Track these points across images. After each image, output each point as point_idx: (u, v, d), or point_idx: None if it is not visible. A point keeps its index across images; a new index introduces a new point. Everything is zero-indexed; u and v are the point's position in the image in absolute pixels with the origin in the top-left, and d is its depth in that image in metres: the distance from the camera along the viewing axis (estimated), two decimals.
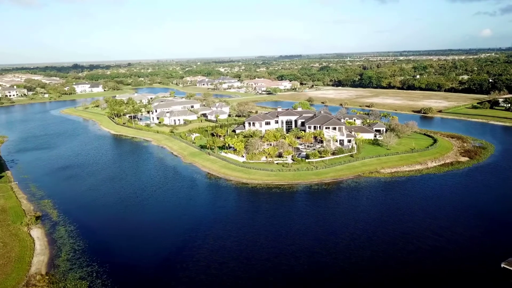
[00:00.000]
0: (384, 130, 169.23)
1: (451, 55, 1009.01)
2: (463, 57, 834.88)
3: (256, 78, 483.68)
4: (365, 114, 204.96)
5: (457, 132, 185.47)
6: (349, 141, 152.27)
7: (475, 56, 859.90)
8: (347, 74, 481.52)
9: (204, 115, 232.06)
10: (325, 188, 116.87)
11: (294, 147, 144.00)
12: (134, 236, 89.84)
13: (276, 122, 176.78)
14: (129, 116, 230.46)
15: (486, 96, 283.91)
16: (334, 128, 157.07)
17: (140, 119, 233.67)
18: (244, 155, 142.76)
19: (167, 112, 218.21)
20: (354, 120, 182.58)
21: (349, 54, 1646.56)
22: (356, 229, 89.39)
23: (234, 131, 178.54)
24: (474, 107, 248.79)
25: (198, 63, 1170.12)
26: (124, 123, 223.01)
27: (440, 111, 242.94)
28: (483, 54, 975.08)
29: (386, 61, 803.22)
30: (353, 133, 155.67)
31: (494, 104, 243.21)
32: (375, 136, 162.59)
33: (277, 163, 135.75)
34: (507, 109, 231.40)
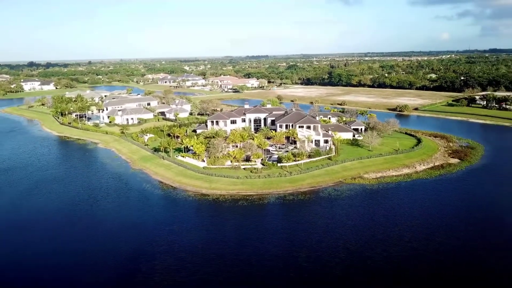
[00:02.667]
0: (363, 129, 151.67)
1: (414, 56, 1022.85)
2: (425, 58, 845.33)
3: (222, 76, 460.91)
4: (340, 111, 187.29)
5: (438, 130, 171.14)
6: (326, 141, 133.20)
7: (437, 57, 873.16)
8: (316, 72, 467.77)
9: (162, 113, 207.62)
10: (302, 199, 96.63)
11: (264, 149, 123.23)
12: (56, 269, 66.10)
13: (243, 120, 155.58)
14: (75, 115, 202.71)
15: (459, 94, 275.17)
16: (309, 127, 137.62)
17: (89, 118, 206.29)
18: (205, 159, 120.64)
19: (119, 110, 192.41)
20: (329, 118, 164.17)
21: (315, 55, 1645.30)
22: (342, 252, 69.65)
23: (194, 131, 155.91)
24: (450, 105, 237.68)
25: (163, 62, 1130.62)
26: (69, 123, 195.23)
27: (416, 109, 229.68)
28: (444, 56, 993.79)
29: (352, 61, 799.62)
30: (330, 132, 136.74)
31: (470, 101, 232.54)
32: (354, 136, 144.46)
33: (244, 169, 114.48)
34: (484, 107, 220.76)
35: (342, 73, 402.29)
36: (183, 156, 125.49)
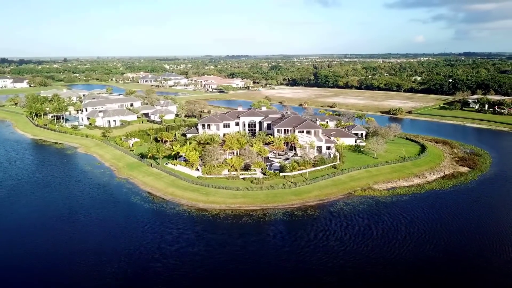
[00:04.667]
0: (364, 134, 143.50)
1: (392, 58, 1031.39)
2: (404, 60, 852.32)
3: (206, 75, 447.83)
4: (336, 115, 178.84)
5: (436, 135, 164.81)
6: (328, 147, 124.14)
7: (416, 60, 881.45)
8: (301, 73, 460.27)
9: (146, 115, 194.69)
10: (311, 214, 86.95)
11: (264, 157, 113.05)
12: None
13: (237, 124, 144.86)
14: (52, 116, 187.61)
15: (450, 96, 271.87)
16: (309, 132, 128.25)
17: (67, 119, 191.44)
18: (199, 167, 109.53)
19: (100, 112, 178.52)
20: (327, 122, 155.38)
21: (295, 55, 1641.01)
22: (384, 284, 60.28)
23: (184, 135, 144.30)
24: (443, 108, 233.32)
25: (142, 61, 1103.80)
26: (45, 125, 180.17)
27: (409, 112, 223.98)
28: (421, 58, 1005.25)
29: (333, 62, 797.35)
30: (332, 138, 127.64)
31: (464, 104, 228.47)
32: (356, 142, 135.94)
33: (243, 178, 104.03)
34: (478, 110, 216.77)
35: (328, 74, 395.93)
36: (174, 164, 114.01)
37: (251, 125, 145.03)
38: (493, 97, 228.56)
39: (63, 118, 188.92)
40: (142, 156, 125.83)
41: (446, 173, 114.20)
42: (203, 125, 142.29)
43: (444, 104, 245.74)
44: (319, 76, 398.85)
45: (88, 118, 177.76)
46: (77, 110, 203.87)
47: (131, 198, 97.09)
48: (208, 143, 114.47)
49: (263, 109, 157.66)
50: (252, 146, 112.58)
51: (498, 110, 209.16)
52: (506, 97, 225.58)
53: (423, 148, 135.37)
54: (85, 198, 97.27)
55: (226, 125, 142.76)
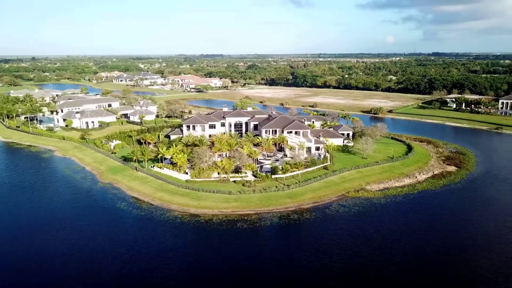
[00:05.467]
0: (351, 134, 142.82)
1: (365, 58, 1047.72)
2: (377, 60, 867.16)
3: (183, 75, 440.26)
4: (320, 115, 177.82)
5: (418, 134, 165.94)
6: (318, 148, 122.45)
7: (388, 60, 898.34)
8: (278, 73, 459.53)
9: (126, 115, 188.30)
10: (308, 218, 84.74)
11: (255, 159, 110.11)
12: None
13: (222, 125, 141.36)
14: (25, 118, 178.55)
15: (427, 96, 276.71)
16: (297, 133, 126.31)
17: (41, 121, 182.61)
18: (187, 170, 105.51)
19: (77, 113, 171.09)
20: (313, 122, 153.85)
21: (270, 55, 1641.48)
22: None
23: (168, 136, 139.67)
24: (422, 107, 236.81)
25: (114, 60, 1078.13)
26: (18, 127, 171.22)
27: (390, 111, 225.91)
28: (393, 58, 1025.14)
29: (309, 62, 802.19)
30: (321, 138, 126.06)
31: (442, 104, 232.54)
32: (343, 142, 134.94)
33: (234, 181, 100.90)
34: (456, 109, 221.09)
35: (306, 74, 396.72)
36: (161, 167, 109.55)
37: (237, 125, 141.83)
38: (470, 96, 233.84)
39: (37, 119, 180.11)
40: (126, 159, 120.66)
41: (435, 173, 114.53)
42: (188, 126, 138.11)
43: (422, 103, 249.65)
44: (297, 75, 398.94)
45: (64, 120, 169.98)
46: (52, 111, 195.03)
47: (117, 204, 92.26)
48: (196, 145, 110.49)
49: (249, 109, 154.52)
50: (242, 147, 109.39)
51: (475, 109, 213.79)
52: (482, 97, 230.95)
53: (409, 148, 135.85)
54: (67, 205, 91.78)
55: (212, 126, 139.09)
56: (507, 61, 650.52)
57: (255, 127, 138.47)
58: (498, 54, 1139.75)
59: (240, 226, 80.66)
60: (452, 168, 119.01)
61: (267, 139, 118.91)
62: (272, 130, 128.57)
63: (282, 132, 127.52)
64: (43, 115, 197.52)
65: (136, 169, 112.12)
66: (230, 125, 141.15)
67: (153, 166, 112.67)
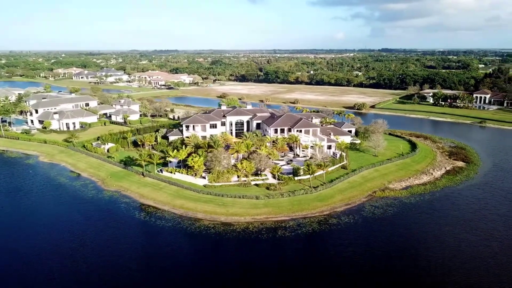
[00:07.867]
0: (354, 131, 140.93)
1: (319, 54, 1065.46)
2: (332, 56, 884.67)
3: (150, 71, 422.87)
4: (313, 112, 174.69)
5: (407, 129, 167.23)
6: (329, 147, 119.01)
7: (344, 55, 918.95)
8: (247, 69, 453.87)
9: (106, 115, 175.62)
10: (347, 222, 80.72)
11: (273, 160, 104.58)
12: None
13: (223, 124, 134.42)
14: None
15: (402, 91, 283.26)
16: (307, 132, 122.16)
17: (11, 123, 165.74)
18: (204, 174, 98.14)
19: (55, 113, 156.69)
20: (312, 119, 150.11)
21: (225, 51, 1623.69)
22: None
23: (166, 137, 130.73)
24: (401, 102, 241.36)
25: (63, 55, 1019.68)
26: None
27: (373, 107, 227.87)
28: (347, 54, 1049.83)
29: (270, 58, 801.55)
30: (331, 136, 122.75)
31: (421, 98, 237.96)
32: (351, 139, 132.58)
33: (256, 185, 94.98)
34: (434, 104, 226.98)
35: (277, 70, 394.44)
36: (172, 172, 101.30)
37: (238, 124, 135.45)
38: (448, 91, 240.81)
39: (7, 121, 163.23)
40: (125, 163, 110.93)
41: (447, 169, 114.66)
42: (187, 126, 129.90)
43: (400, 98, 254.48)
44: (268, 72, 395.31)
45: (40, 121, 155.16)
46: (21, 112, 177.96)
47: (135, 215, 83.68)
48: (211, 147, 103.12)
49: (249, 107, 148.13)
50: (259, 148, 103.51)
51: (454, 103, 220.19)
52: (460, 92, 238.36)
53: (412, 144, 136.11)
54: (78, 219, 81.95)
55: (213, 126, 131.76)
56: (454, 57, 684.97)
57: (257, 125, 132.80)
58: (442, 50, 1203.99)
59: (282, 234, 75.22)
60: (461, 164, 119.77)
61: (282, 139, 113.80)
62: (281, 129, 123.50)
63: (290, 130, 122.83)
64: (10, 116, 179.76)
65: (143, 175, 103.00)
66: (231, 124, 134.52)
67: (161, 170, 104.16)
